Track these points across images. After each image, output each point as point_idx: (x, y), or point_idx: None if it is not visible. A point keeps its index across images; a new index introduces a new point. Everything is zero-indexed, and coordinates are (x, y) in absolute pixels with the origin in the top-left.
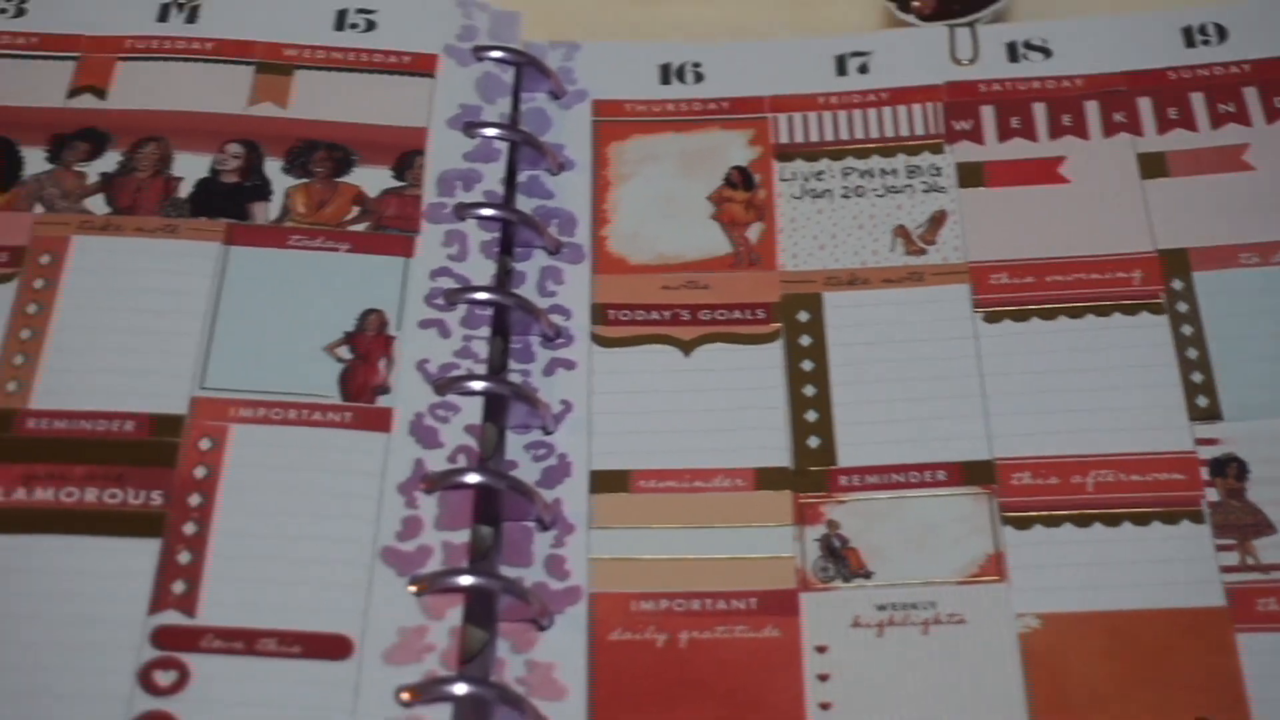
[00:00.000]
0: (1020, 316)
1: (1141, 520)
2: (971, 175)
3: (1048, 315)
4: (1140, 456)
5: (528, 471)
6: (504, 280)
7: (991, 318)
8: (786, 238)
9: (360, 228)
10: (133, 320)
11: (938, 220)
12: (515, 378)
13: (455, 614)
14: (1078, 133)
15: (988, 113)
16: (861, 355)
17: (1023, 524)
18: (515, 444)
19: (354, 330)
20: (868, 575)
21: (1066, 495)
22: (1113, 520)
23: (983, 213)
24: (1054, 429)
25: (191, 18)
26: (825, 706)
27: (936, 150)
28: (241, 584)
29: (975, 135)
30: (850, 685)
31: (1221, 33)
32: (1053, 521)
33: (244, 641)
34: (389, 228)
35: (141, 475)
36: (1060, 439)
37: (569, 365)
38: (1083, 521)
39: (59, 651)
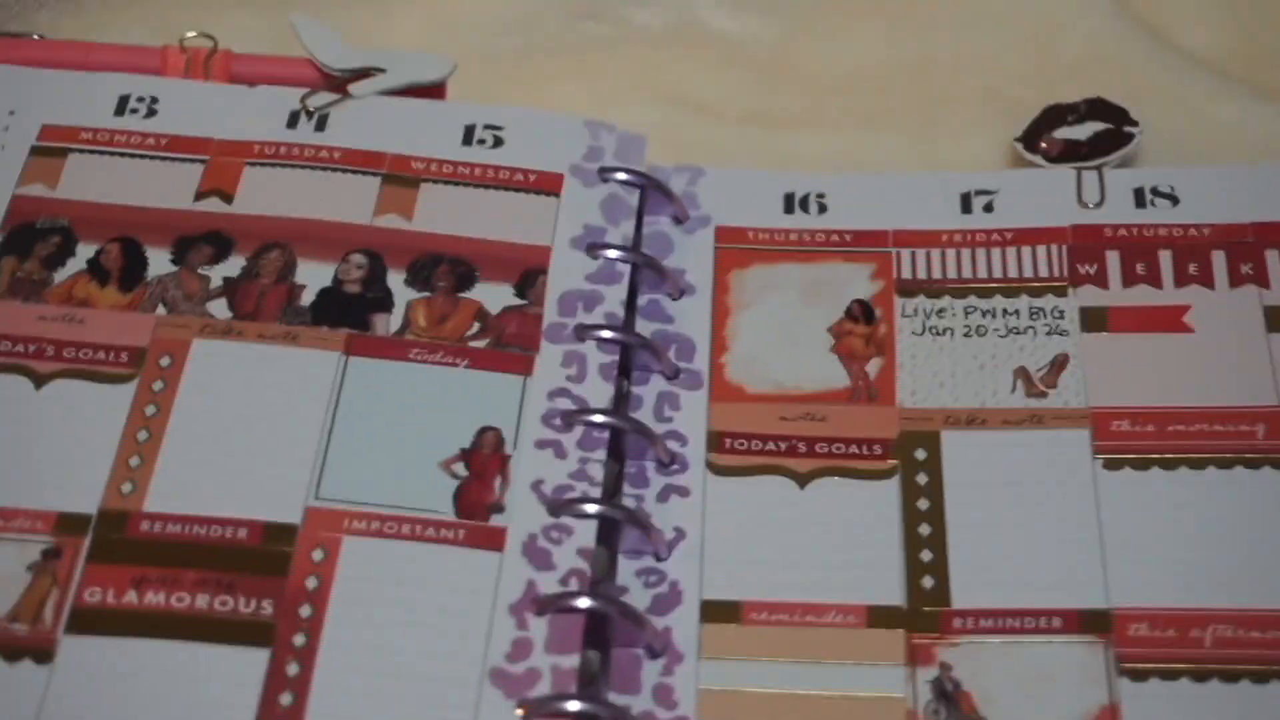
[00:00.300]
0: (1141, 465)
1: (1260, 678)
2: (1095, 320)
3: (1169, 465)
4: (1260, 612)
5: (638, 598)
6: (621, 404)
7: (1111, 465)
8: (906, 374)
9: (480, 344)
10: (250, 426)
11: (1059, 364)
12: (629, 502)
13: None
14: (1204, 281)
15: (1113, 257)
16: (979, 496)
17: (1139, 675)
18: (626, 569)
19: (470, 447)
20: None
21: (1184, 648)
22: (1231, 677)
23: (1105, 358)
24: (1173, 580)
25: (320, 126)
26: None
27: (1060, 293)
28: (349, 698)
29: (1100, 279)
30: None
31: None
32: (1170, 675)
33: None
34: (509, 345)
35: (253, 583)
36: (1179, 590)
37: (683, 492)
38: (1200, 676)
39: None
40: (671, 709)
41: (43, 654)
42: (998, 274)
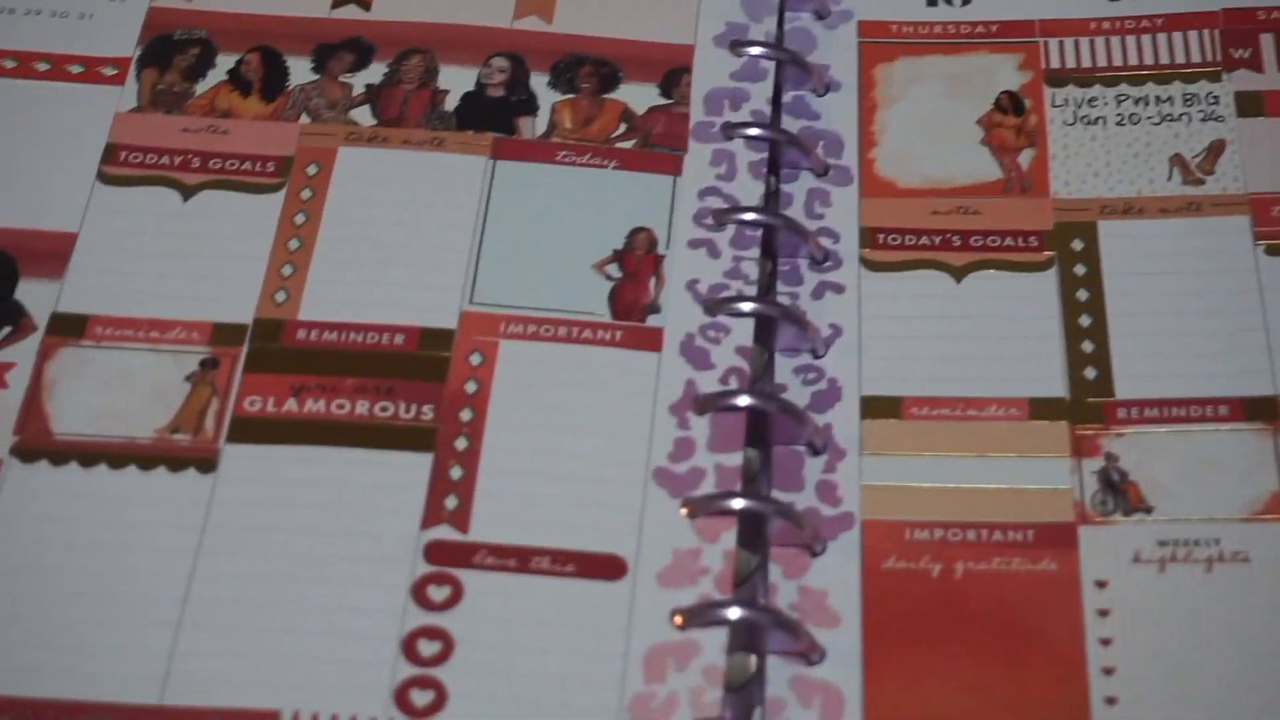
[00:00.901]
0: None
1: None
2: (1251, 104)
3: None
4: None
5: (797, 395)
6: (771, 201)
7: (1273, 250)
8: (1059, 164)
9: (627, 145)
10: (400, 233)
11: (1216, 150)
12: (784, 300)
13: (728, 537)
14: None
15: (1267, 40)
16: (1138, 286)
17: None
18: (783, 367)
19: (622, 248)
20: (1148, 510)
21: None
22: None
23: (1263, 143)
24: None
25: None
26: (1106, 642)
27: (1214, 78)
28: (513, 501)
29: (1254, 63)
30: (1131, 621)
31: None
32: None
33: (517, 559)
34: (656, 145)
35: (411, 389)
36: None
37: (838, 289)
38: None
39: (333, 564)
40: (836, 505)
41: (206, 463)
42: (1149, 61)
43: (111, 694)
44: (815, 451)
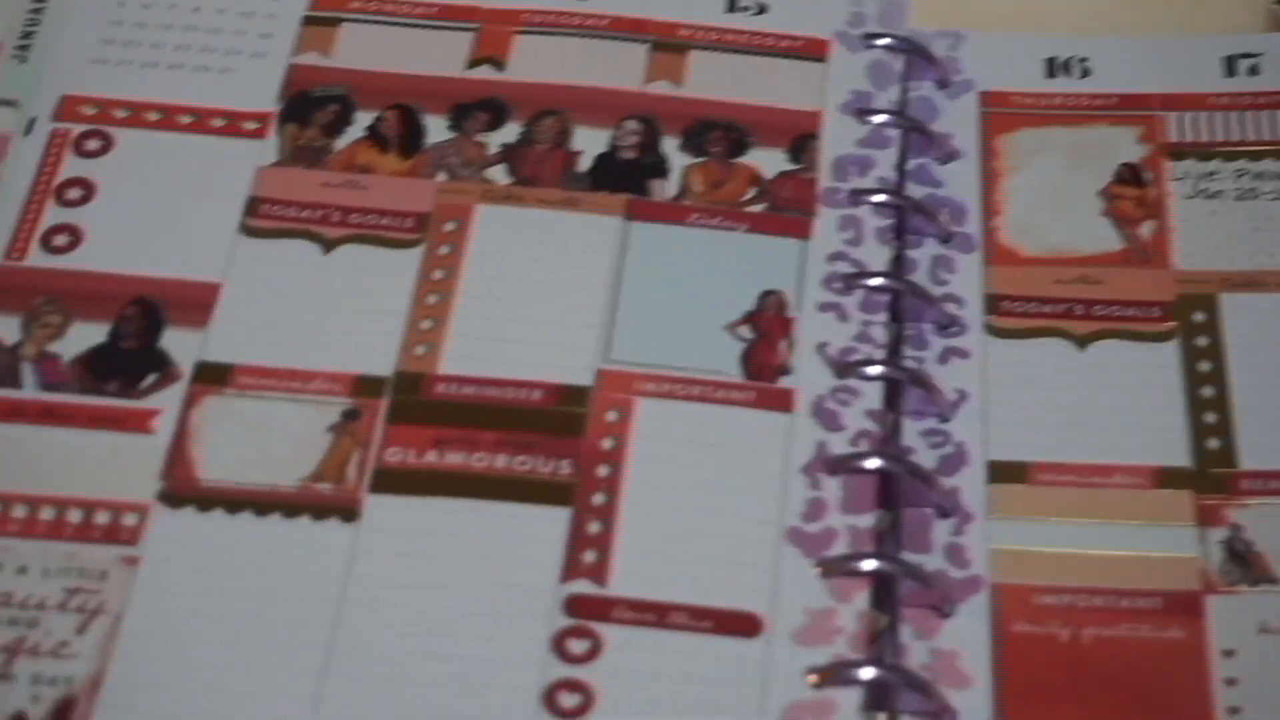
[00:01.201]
0: None
1: None
2: None
3: None
4: None
5: (925, 458)
6: (898, 267)
7: None
8: (1180, 237)
9: (757, 208)
10: (537, 290)
11: None
12: (910, 364)
13: (862, 598)
14: None
15: None
16: (1261, 359)
17: None
18: (910, 430)
19: (754, 310)
20: (1273, 581)
21: None
22: None
23: None
24: None
25: None
26: (1235, 711)
27: None
28: (651, 556)
29: None
30: (1260, 691)
31: None
32: None
33: (655, 614)
34: (785, 209)
35: (550, 444)
36: None
37: (963, 354)
38: None
39: (474, 616)
40: (965, 568)
41: (349, 513)
42: (1266, 136)
43: None
44: (944, 514)
